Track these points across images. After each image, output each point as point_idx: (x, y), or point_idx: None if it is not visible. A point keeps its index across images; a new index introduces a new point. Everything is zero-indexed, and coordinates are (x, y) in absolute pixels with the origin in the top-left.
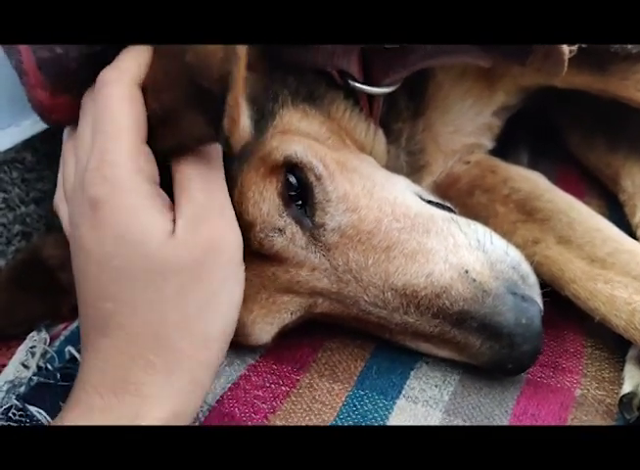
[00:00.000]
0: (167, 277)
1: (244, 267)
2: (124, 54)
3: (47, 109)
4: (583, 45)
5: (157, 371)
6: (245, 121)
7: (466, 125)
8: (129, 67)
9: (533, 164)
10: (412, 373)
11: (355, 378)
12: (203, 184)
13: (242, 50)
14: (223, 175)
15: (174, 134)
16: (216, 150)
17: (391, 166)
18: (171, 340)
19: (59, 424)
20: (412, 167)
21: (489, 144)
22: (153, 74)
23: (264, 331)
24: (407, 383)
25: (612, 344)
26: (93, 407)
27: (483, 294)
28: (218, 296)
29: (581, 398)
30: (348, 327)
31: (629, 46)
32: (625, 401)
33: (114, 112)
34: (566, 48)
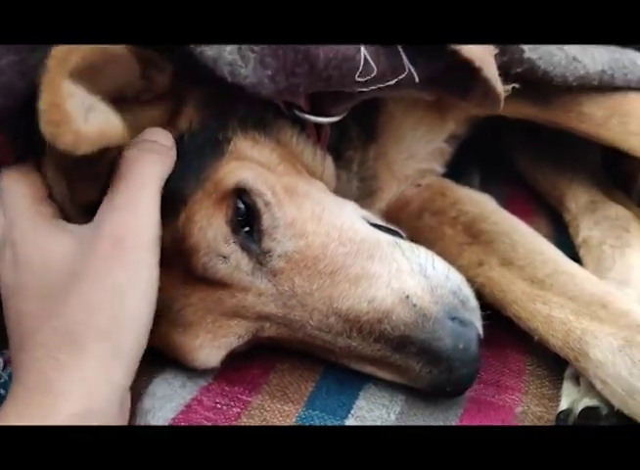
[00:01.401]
0: (71, 284)
1: (153, 258)
2: None
3: None
4: (517, 86)
5: (66, 369)
6: (85, 123)
7: (419, 152)
8: None
9: (485, 187)
10: (361, 393)
11: (306, 399)
12: (124, 183)
13: (58, 50)
14: (153, 172)
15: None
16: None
17: (343, 191)
18: (79, 338)
19: None
20: (364, 193)
21: (441, 169)
22: None
23: (211, 355)
24: (356, 403)
25: (552, 362)
26: (8, 413)
27: (423, 319)
28: (123, 290)
29: (522, 415)
30: (297, 350)
31: (570, 79)
32: (562, 418)
33: None
34: (501, 87)
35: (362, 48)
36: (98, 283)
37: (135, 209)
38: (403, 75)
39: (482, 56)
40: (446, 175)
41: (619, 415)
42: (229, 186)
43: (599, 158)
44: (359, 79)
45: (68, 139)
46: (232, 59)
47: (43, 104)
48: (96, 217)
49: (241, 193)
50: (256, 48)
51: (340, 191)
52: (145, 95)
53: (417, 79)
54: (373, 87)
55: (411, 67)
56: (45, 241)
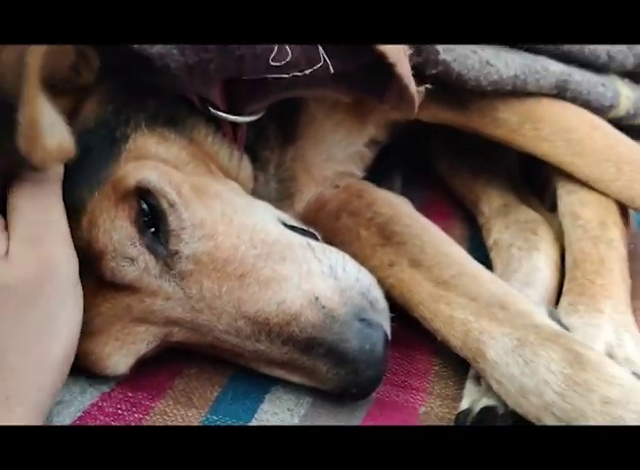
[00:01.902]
0: (2, 300)
1: (80, 288)
2: None
3: None
4: (429, 86)
5: None
6: (49, 139)
7: (338, 154)
8: None
9: (406, 190)
10: (267, 396)
11: (210, 404)
12: (34, 203)
13: (34, 55)
14: (59, 193)
15: None
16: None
17: (260, 193)
18: (9, 364)
19: None
20: (282, 194)
21: (360, 173)
22: None
23: (120, 363)
24: (261, 406)
25: (457, 363)
26: None
27: (332, 320)
28: (55, 317)
29: (424, 415)
30: (206, 354)
31: (483, 83)
32: (461, 417)
33: None
34: (414, 89)
35: None
36: (35, 313)
37: (51, 228)
38: (318, 65)
39: (397, 53)
40: (368, 178)
41: (514, 415)
42: (130, 186)
43: (515, 162)
44: (273, 63)
45: (38, 156)
46: None
47: (23, 118)
48: (10, 227)
49: (144, 193)
50: None
51: (257, 192)
52: (67, 85)
53: (332, 70)
54: (287, 75)
55: (327, 58)
56: None
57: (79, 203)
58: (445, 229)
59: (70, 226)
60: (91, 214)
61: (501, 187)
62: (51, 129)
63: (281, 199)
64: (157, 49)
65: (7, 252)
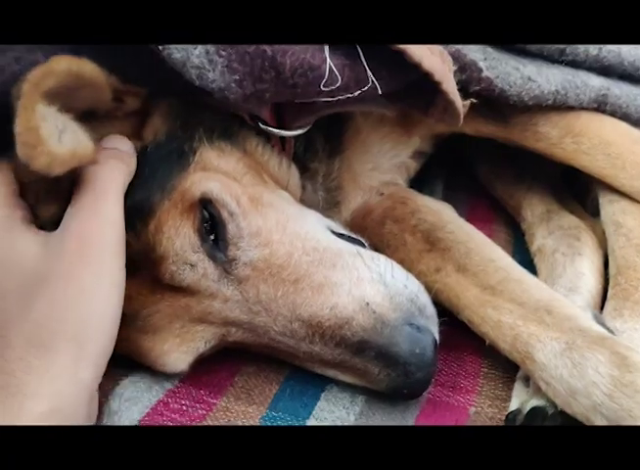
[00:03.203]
0: (38, 286)
1: (117, 261)
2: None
3: None
4: (474, 100)
5: (35, 371)
6: (57, 145)
7: (384, 164)
8: None
9: (448, 196)
10: (323, 395)
11: (270, 400)
12: (88, 188)
13: (33, 75)
14: (119, 190)
15: None
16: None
17: (308, 201)
18: (47, 340)
19: None
20: (329, 203)
21: (404, 183)
22: None
23: (179, 360)
24: (317, 404)
25: (506, 365)
26: None
27: (382, 325)
28: (88, 290)
29: (475, 415)
30: (262, 354)
31: (525, 98)
32: (511, 418)
33: None
34: (460, 102)
35: (327, 58)
36: (64, 285)
37: (99, 212)
38: (366, 87)
39: (442, 70)
40: (411, 184)
41: (564, 415)
42: (195, 196)
43: (558, 168)
44: (324, 89)
45: (42, 161)
46: (199, 62)
47: (18, 127)
48: (62, 223)
49: (206, 203)
50: (224, 52)
51: (305, 201)
52: (115, 112)
53: (380, 91)
54: (337, 98)
55: (374, 79)
56: (13, 242)
57: (149, 208)
58: (488, 234)
59: (136, 227)
60: (158, 220)
61: (543, 193)
62: (58, 136)
63: (328, 207)
64: (217, 84)
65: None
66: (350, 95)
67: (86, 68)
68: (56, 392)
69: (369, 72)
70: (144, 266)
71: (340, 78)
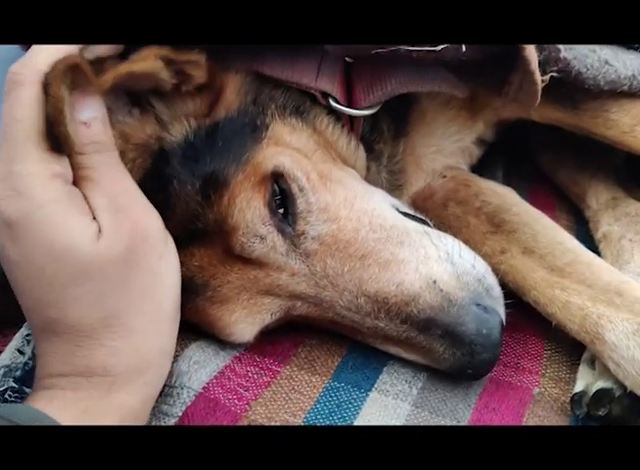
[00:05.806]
0: (105, 273)
1: (171, 239)
2: (36, 51)
3: None
4: (554, 74)
5: (121, 353)
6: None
7: (447, 148)
8: (42, 66)
9: (507, 182)
10: (385, 369)
11: (332, 371)
12: (109, 175)
13: (61, 62)
14: (122, 163)
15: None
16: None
17: (372, 182)
18: (126, 324)
19: (29, 405)
20: (392, 185)
21: (466, 168)
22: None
23: (246, 330)
24: (380, 377)
25: (569, 347)
26: (65, 387)
27: (449, 304)
28: (158, 273)
29: (539, 395)
30: (325, 329)
31: (601, 82)
32: (576, 399)
33: (24, 115)
34: (539, 78)
35: None
36: (138, 275)
37: (140, 202)
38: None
39: (530, 48)
40: (471, 170)
41: (631, 397)
42: (267, 170)
43: (621, 155)
44: None
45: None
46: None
47: (52, 115)
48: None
49: (277, 177)
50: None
51: (369, 181)
52: (185, 86)
53: (463, 49)
54: (421, 49)
55: None
56: (69, 223)
57: (224, 180)
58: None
59: (212, 199)
60: (231, 192)
61: (607, 180)
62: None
63: (391, 189)
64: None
65: (99, 229)
66: (434, 48)
67: (134, 67)
68: (147, 366)
69: None
70: (217, 237)
71: None
